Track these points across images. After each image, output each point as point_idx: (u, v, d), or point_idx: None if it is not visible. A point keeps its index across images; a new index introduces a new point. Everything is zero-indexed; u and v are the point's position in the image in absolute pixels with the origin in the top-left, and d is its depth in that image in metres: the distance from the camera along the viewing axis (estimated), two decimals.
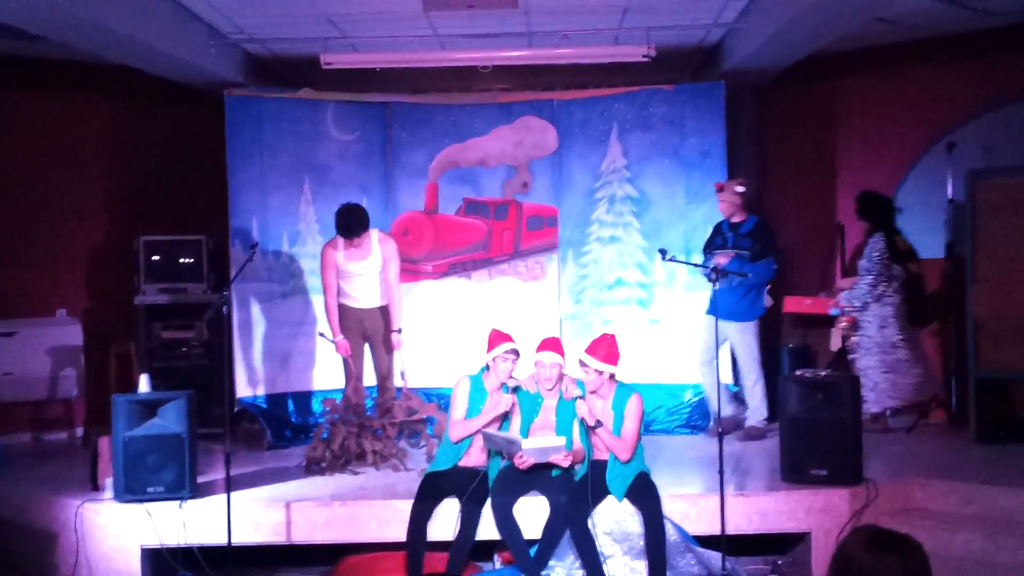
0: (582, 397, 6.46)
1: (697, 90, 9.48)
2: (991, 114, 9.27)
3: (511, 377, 6.72)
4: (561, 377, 6.65)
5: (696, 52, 9.90)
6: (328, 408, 7.84)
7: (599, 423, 6.36)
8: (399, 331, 8.28)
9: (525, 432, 6.57)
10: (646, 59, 8.86)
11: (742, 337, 8.50)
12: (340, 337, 8.20)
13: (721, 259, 8.36)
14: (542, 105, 9.67)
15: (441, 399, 8.23)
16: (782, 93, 10.22)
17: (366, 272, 8.20)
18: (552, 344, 6.65)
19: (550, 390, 6.64)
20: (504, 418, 6.67)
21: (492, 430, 6.49)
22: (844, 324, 8.73)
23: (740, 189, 8.57)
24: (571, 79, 9.95)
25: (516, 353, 6.70)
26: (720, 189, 8.64)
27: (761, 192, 10.18)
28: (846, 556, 2.88)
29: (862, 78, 10.02)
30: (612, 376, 6.53)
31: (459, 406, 6.68)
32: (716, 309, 7.60)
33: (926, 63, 9.63)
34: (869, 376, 8.47)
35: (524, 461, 6.36)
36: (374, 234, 8.24)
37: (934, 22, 8.94)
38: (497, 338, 6.71)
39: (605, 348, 6.46)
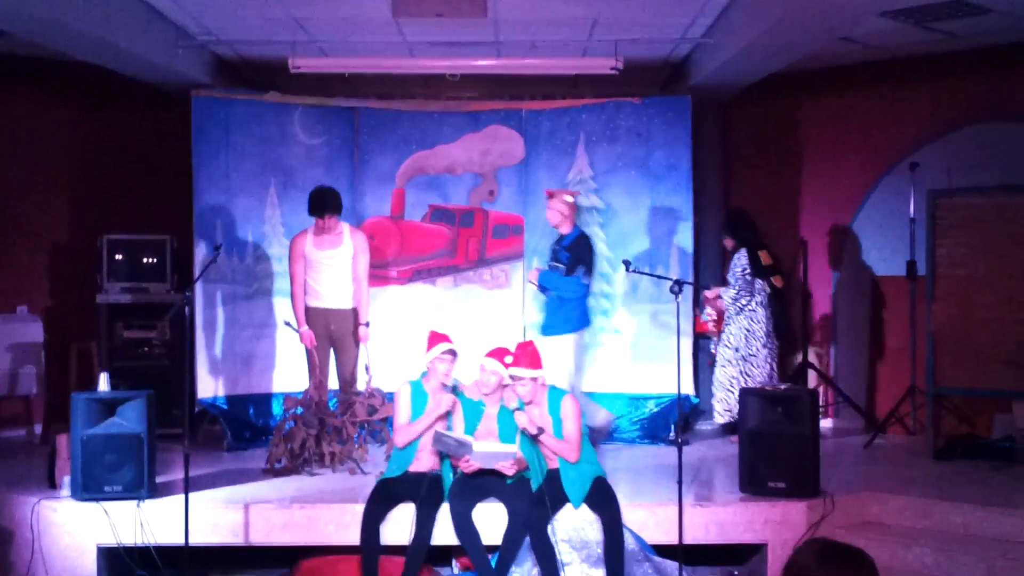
0: (519, 408, 6.49)
1: (664, 103, 9.54)
2: (954, 134, 9.38)
3: (448, 377, 6.75)
4: (502, 387, 6.67)
5: (664, 66, 9.97)
6: (289, 407, 7.82)
7: (541, 430, 6.40)
8: (367, 324, 8.33)
9: (450, 427, 6.63)
10: (614, 71, 8.91)
11: (557, 351, 8.32)
12: (305, 328, 8.22)
13: (531, 275, 8.63)
14: (510, 114, 9.70)
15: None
16: (748, 109, 10.31)
17: (334, 262, 8.22)
18: (498, 353, 6.66)
19: (488, 395, 6.67)
20: (446, 418, 6.67)
21: (442, 431, 6.49)
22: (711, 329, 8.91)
23: (570, 199, 8.53)
24: (539, 89, 10.01)
25: (453, 353, 6.72)
26: (550, 196, 8.60)
27: (724, 206, 10.24)
28: (797, 568, 2.88)
29: (827, 96, 10.12)
30: (543, 383, 6.59)
31: (402, 411, 6.68)
32: (548, 326, 8.02)
33: (891, 83, 9.75)
34: (723, 387, 8.62)
35: (470, 465, 6.38)
36: (345, 226, 8.32)
37: (899, 43, 9.05)
38: (434, 339, 6.73)
39: (529, 356, 6.53)
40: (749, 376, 8.52)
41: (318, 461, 7.69)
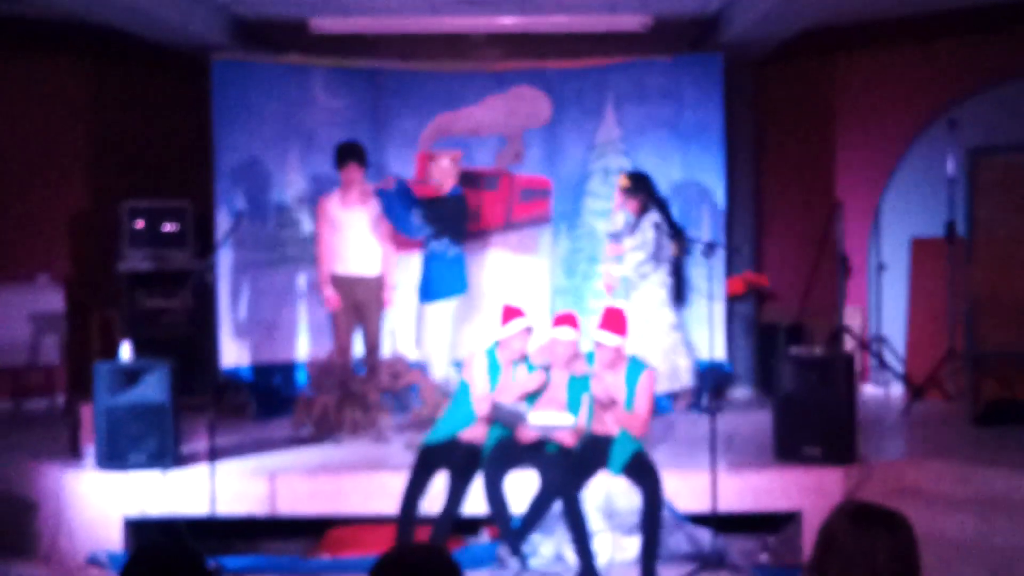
0: (595, 374, 6.34)
1: (695, 62, 9.34)
2: (994, 91, 9.19)
3: (523, 353, 6.64)
4: (576, 355, 6.54)
5: (694, 23, 9.74)
6: (311, 373, 7.74)
7: (614, 401, 6.27)
8: (392, 287, 8.26)
9: (532, 404, 6.51)
10: (643, 29, 8.75)
11: (437, 318, 8.16)
12: (330, 290, 8.17)
13: (384, 184, 8.25)
14: (536, 74, 9.51)
15: (427, 368, 8.10)
16: (781, 67, 10.09)
17: (361, 223, 8.13)
18: (568, 320, 6.57)
19: (561, 366, 6.55)
20: (531, 396, 6.56)
21: (500, 403, 6.39)
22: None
23: (444, 163, 8.24)
24: (565, 48, 9.79)
25: (530, 330, 6.63)
26: (429, 158, 8.44)
27: (757, 167, 10.07)
28: (831, 533, 2.79)
29: (863, 53, 9.90)
30: (623, 350, 6.43)
31: (479, 381, 6.57)
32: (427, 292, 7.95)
33: (928, 38, 9.52)
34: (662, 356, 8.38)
35: (528, 434, 6.30)
36: (371, 186, 8.23)
37: None
38: (511, 314, 6.61)
39: (617, 321, 6.37)
40: (665, 348, 8.36)
41: (340, 428, 7.60)
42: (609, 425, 6.40)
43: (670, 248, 8.40)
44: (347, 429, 7.59)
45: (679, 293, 8.63)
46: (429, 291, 8.08)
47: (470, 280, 8.39)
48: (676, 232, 8.44)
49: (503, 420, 6.41)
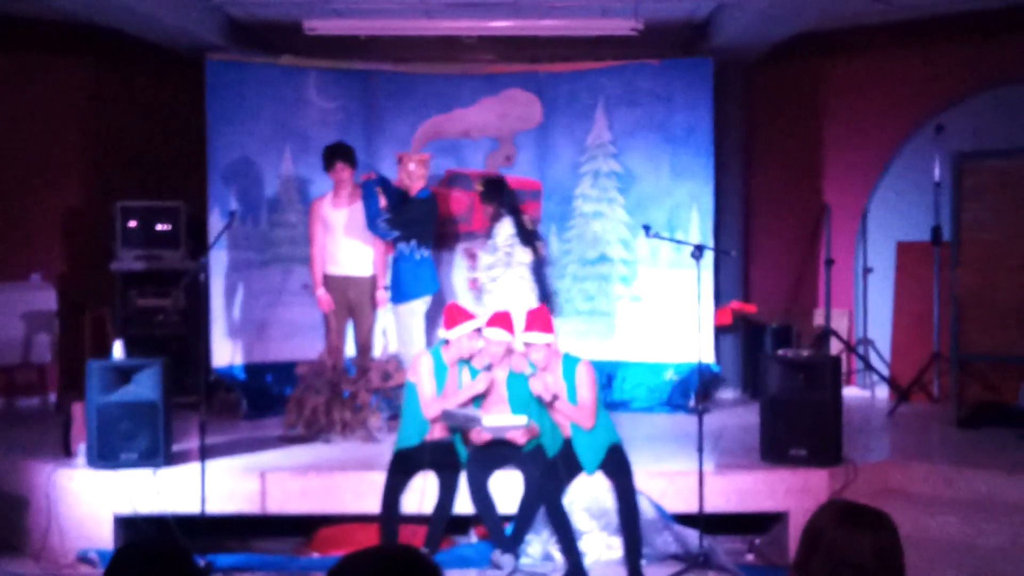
0: (533, 373, 6.41)
1: (685, 65, 9.41)
2: (980, 96, 9.26)
3: (471, 354, 6.68)
4: (509, 353, 6.59)
5: (684, 27, 9.80)
6: (301, 373, 7.76)
7: (555, 396, 6.32)
8: (385, 288, 8.32)
9: (477, 406, 6.54)
10: (634, 33, 8.80)
11: (406, 318, 8.23)
12: (322, 291, 8.21)
13: (366, 176, 8.23)
14: (528, 77, 9.57)
15: None
16: (770, 71, 10.15)
17: (352, 223, 8.17)
18: (501, 320, 6.60)
19: (498, 365, 6.61)
20: (479, 397, 6.60)
21: (452, 407, 6.42)
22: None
23: (411, 166, 8.23)
24: (557, 52, 9.86)
25: (480, 331, 6.65)
26: (399, 160, 8.37)
27: (746, 170, 10.13)
28: (816, 531, 2.81)
29: (851, 57, 9.97)
30: (556, 349, 6.50)
31: (427, 383, 6.59)
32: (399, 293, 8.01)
33: (915, 43, 9.59)
34: None
35: (481, 437, 6.33)
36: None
37: (925, 3, 8.89)
38: (460, 314, 6.62)
39: (541, 321, 6.43)
40: None
41: (330, 429, 7.64)
42: (563, 425, 6.46)
43: (526, 254, 8.37)
44: (337, 429, 7.63)
45: (542, 293, 8.51)
46: (400, 292, 8.14)
47: (450, 280, 8.46)
48: (530, 238, 8.38)
49: (456, 425, 6.44)
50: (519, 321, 6.55)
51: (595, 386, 6.45)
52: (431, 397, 6.55)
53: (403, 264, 8.13)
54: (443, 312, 6.76)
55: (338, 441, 7.57)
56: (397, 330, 8.21)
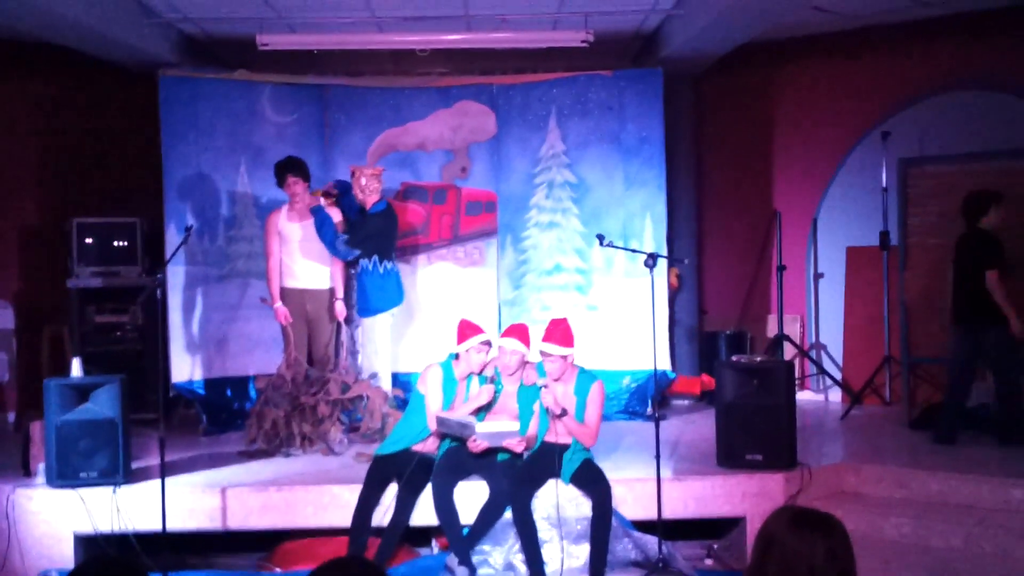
0: (545, 385, 6.44)
1: (635, 76, 9.52)
2: (925, 103, 9.43)
3: (480, 367, 6.72)
4: (523, 364, 6.64)
5: (635, 38, 9.92)
6: (260, 387, 7.77)
7: (564, 411, 6.34)
8: (343, 300, 8.35)
9: (482, 418, 6.58)
10: (584, 44, 8.88)
11: (377, 331, 8.23)
12: (279, 304, 8.21)
13: (324, 199, 8.15)
14: (481, 89, 9.64)
15: (375, 379, 8.16)
16: (720, 80, 10.28)
17: (309, 236, 8.19)
18: (517, 331, 6.65)
19: (511, 376, 6.64)
20: (484, 409, 6.65)
21: (446, 414, 6.46)
22: None
23: (363, 179, 8.18)
24: (510, 64, 9.94)
25: (489, 344, 6.70)
26: (352, 174, 8.31)
27: (698, 179, 10.25)
28: (769, 537, 2.89)
29: (798, 66, 10.13)
30: (572, 361, 6.52)
31: (435, 395, 6.62)
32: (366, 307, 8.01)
33: (862, 52, 9.76)
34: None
35: (477, 445, 6.36)
36: (321, 200, 8.26)
37: (870, 11, 9.06)
38: (469, 329, 6.68)
39: (561, 332, 6.45)
40: None
41: (290, 442, 7.65)
42: (560, 435, 6.50)
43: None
44: (297, 443, 7.65)
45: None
46: (366, 306, 8.15)
47: (407, 292, 8.49)
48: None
49: (451, 432, 6.47)
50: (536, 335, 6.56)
51: (602, 407, 6.51)
52: (438, 409, 6.58)
53: (367, 278, 8.13)
54: (456, 327, 6.74)
55: (298, 455, 7.60)
56: (364, 342, 8.23)
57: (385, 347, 8.18)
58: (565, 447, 6.45)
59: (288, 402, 7.66)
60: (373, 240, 8.11)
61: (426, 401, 6.63)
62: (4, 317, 9.24)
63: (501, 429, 6.37)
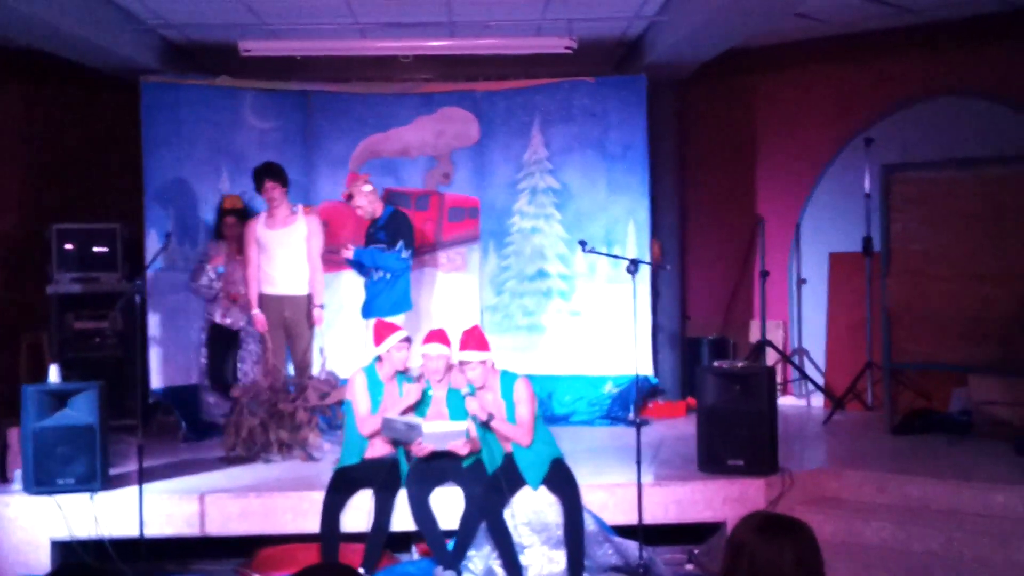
0: (470, 394, 6.45)
1: (619, 83, 9.53)
2: (907, 110, 9.45)
3: (404, 366, 6.72)
4: (449, 368, 6.63)
5: (618, 45, 9.93)
6: (237, 395, 7.72)
7: (491, 416, 6.36)
8: (321, 307, 8.32)
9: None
10: (568, 51, 8.89)
11: None
12: (256, 311, 8.21)
13: (345, 252, 8.14)
14: (464, 96, 9.64)
15: None
16: (703, 87, 10.30)
17: (287, 243, 8.19)
18: (437, 336, 6.64)
19: (439, 382, 6.64)
20: (415, 408, 6.62)
21: (390, 417, 6.43)
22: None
23: (367, 188, 8.17)
24: (493, 70, 9.93)
25: (409, 340, 6.72)
26: (348, 198, 8.29)
27: (681, 185, 10.25)
28: (738, 543, 2.89)
29: (782, 73, 10.14)
30: (493, 366, 6.53)
31: (361, 401, 6.61)
32: (371, 309, 7.88)
33: (846, 59, 9.78)
34: None
35: (423, 448, 6.33)
36: (299, 208, 8.34)
37: (854, 18, 9.08)
38: (386, 328, 6.69)
39: (476, 339, 6.48)
40: None
41: (268, 449, 7.61)
42: (502, 441, 6.51)
43: None
44: (275, 449, 7.60)
45: None
46: (375, 309, 8.05)
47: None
48: None
49: (398, 436, 6.43)
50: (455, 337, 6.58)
51: (533, 402, 6.50)
52: (366, 414, 6.56)
53: (392, 279, 8.09)
54: (372, 329, 6.77)
55: (277, 461, 7.56)
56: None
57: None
58: (510, 454, 6.47)
59: (265, 409, 7.61)
60: (411, 240, 8.16)
61: (353, 408, 6.62)
62: None
63: (448, 430, 6.35)
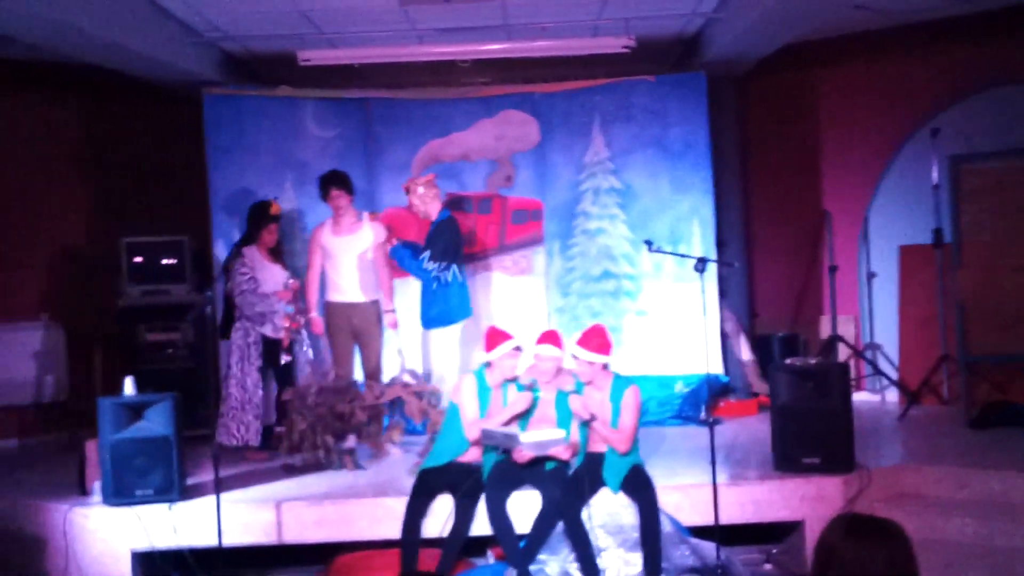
0: (576, 391, 6.40)
1: (678, 81, 9.49)
2: (973, 99, 9.33)
3: (514, 373, 6.68)
4: (559, 371, 6.60)
5: (676, 42, 9.87)
6: (287, 399, 7.66)
7: (593, 417, 6.32)
8: (393, 311, 8.34)
9: (524, 426, 6.52)
10: (626, 50, 8.86)
11: (442, 345, 7.89)
12: (314, 313, 8.27)
13: (388, 244, 8.00)
14: (523, 98, 9.64)
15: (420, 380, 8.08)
16: (764, 82, 10.22)
17: (353, 250, 8.22)
18: (550, 337, 6.61)
19: (548, 383, 6.60)
20: (522, 416, 6.60)
21: (490, 426, 6.43)
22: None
23: (421, 190, 7.92)
24: (551, 72, 9.91)
25: (519, 350, 6.65)
26: (406, 191, 8.05)
27: (745, 181, 10.17)
28: (827, 547, 2.85)
29: (843, 66, 10.04)
30: (607, 367, 6.48)
31: (469, 405, 6.59)
32: (424, 319, 7.83)
33: (906, 49, 9.66)
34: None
35: (523, 455, 6.32)
36: (365, 215, 8.37)
37: (913, 8, 8.96)
38: (498, 336, 6.64)
39: (597, 339, 6.42)
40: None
41: (315, 450, 7.51)
42: (597, 443, 6.47)
43: None
44: (322, 454, 7.52)
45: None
46: (431, 318, 7.88)
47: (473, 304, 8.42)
48: None
49: (497, 444, 6.42)
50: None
51: (638, 412, 6.47)
52: (474, 418, 6.56)
53: (439, 289, 7.82)
54: (484, 335, 6.73)
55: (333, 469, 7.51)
56: (425, 354, 8.07)
57: (454, 358, 7.90)
58: (601, 455, 6.43)
59: (313, 413, 7.54)
60: (446, 248, 7.83)
61: (461, 412, 6.61)
62: (56, 338, 9.34)
63: (546, 438, 6.32)
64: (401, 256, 7.92)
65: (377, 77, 9.93)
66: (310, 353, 8.40)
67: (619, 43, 8.85)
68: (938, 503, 6.67)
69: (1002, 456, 7.11)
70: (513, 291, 9.50)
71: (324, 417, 7.51)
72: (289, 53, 9.03)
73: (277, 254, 8.25)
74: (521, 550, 6.23)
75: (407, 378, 7.75)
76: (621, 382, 6.48)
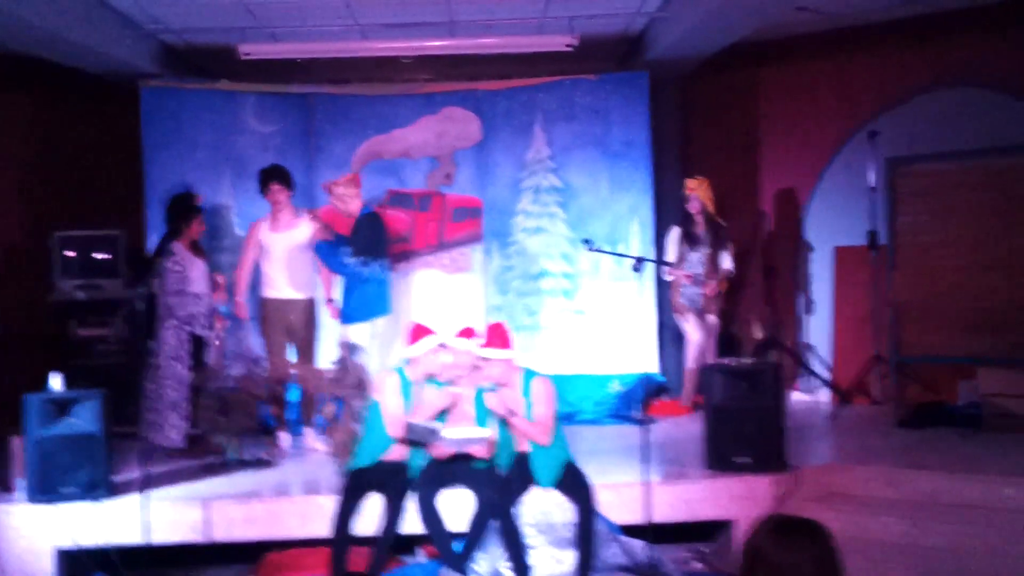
0: (491, 390, 6.41)
1: (621, 80, 9.52)
2: (912, 102, 9.40)
3: (438, 369, 6.64)
4: (477, 366, 6.58)
5: (620, 41, 9.89)
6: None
7: (512, 412, 6.31)
8: (332, 300, 8.30)
9: (443, 421, 6.49)
10: (569, 49, 8.86)
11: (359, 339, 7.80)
12: (240, 297, 8.19)
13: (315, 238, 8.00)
14: (466, 95, 9.62)
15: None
16: (706, 82, 10.25)
17: (290, 246, 8.15)
18: (464, 333, 6.60)
19: (462, 377, 6.58)
20: (441, 414, 6.57)
21: (414, 419, 6.39)
22: None
23: (339, 189, 7.94)
24: (495, 69, 9.90)
25: (444, 345, 6.62)
26: (328, 191, 8.06)
27: (685, 181, 10.19)
28: (755, 548, 2.86)
29: (784, 67, 10.10)
30: (513, 363, 6.48)
31: (392, 401, 6.54)
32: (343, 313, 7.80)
33: (848, 52, 9.74)
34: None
35: (442, 451, 6.30)
36: (303, 211, 8.29)
37: (855, 11, 9.03)
38: (421, 331, 6.62)
39: (500, 337, 6.42)
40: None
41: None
42: (523, 441, 6.46)
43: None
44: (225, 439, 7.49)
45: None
46: (348, 313, 7.92)
47: (394, 301, 8.38)
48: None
49: (417, 438, 6.39)
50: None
51: (553, 402, 6.45)
52: (397, 415, 6.52)
53: (358, 284, 7.85)
54: (407, 331, 6.71)
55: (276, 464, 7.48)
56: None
57: (372, 355, 7.90)
58: (527, 454, 6.42)
59: (217, 398, 7.46)
60: (365, 244, 7.82)
61: (382, 409, 6.56)
62: None
63: (468, 435, 6.32)
64: (324, 252, 7.88)
65: (319, 72, 9.86)
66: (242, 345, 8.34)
67: (563, 41, 8.86)
68: (866, 502, 6.72)
69: (930, 456, 7.19)
70: (450, 289, 9.48)
71: (233, 402, 7.46)
72: (230, 46, 8.95)
73: (198, 248, 8.12)
74: (460, 551, 6.22)
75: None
76: (530, 375, 6.47)
